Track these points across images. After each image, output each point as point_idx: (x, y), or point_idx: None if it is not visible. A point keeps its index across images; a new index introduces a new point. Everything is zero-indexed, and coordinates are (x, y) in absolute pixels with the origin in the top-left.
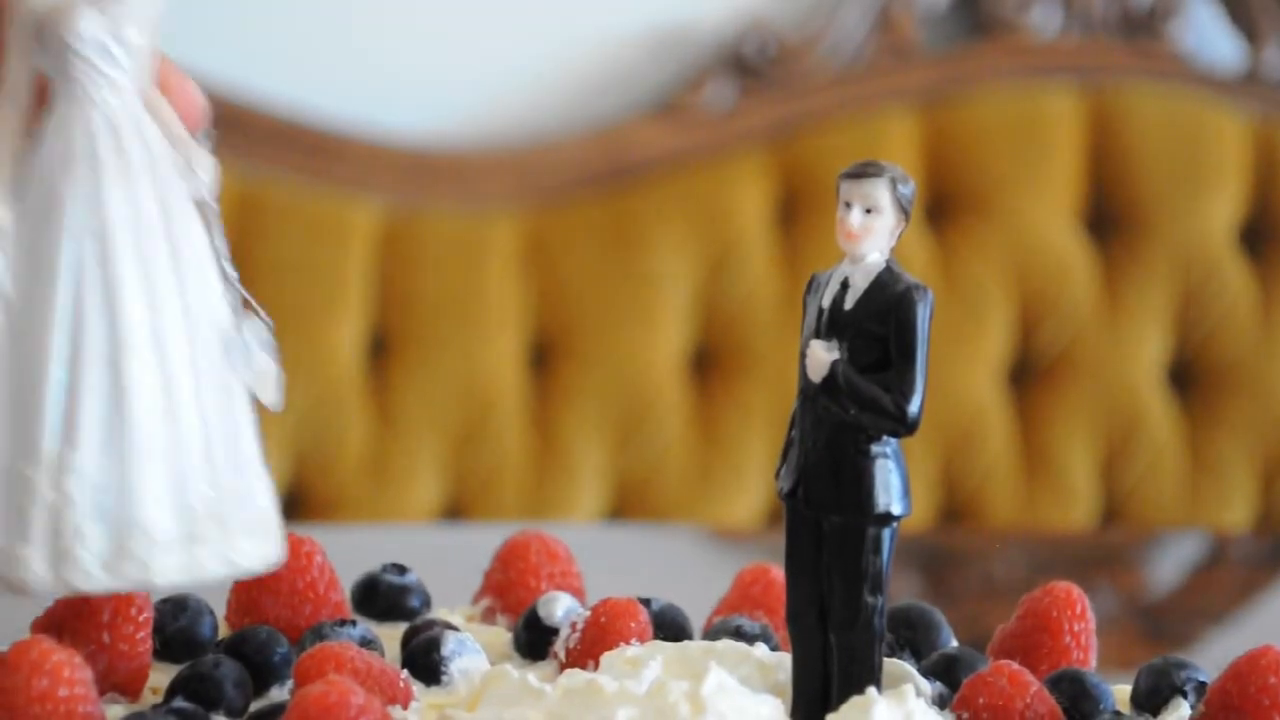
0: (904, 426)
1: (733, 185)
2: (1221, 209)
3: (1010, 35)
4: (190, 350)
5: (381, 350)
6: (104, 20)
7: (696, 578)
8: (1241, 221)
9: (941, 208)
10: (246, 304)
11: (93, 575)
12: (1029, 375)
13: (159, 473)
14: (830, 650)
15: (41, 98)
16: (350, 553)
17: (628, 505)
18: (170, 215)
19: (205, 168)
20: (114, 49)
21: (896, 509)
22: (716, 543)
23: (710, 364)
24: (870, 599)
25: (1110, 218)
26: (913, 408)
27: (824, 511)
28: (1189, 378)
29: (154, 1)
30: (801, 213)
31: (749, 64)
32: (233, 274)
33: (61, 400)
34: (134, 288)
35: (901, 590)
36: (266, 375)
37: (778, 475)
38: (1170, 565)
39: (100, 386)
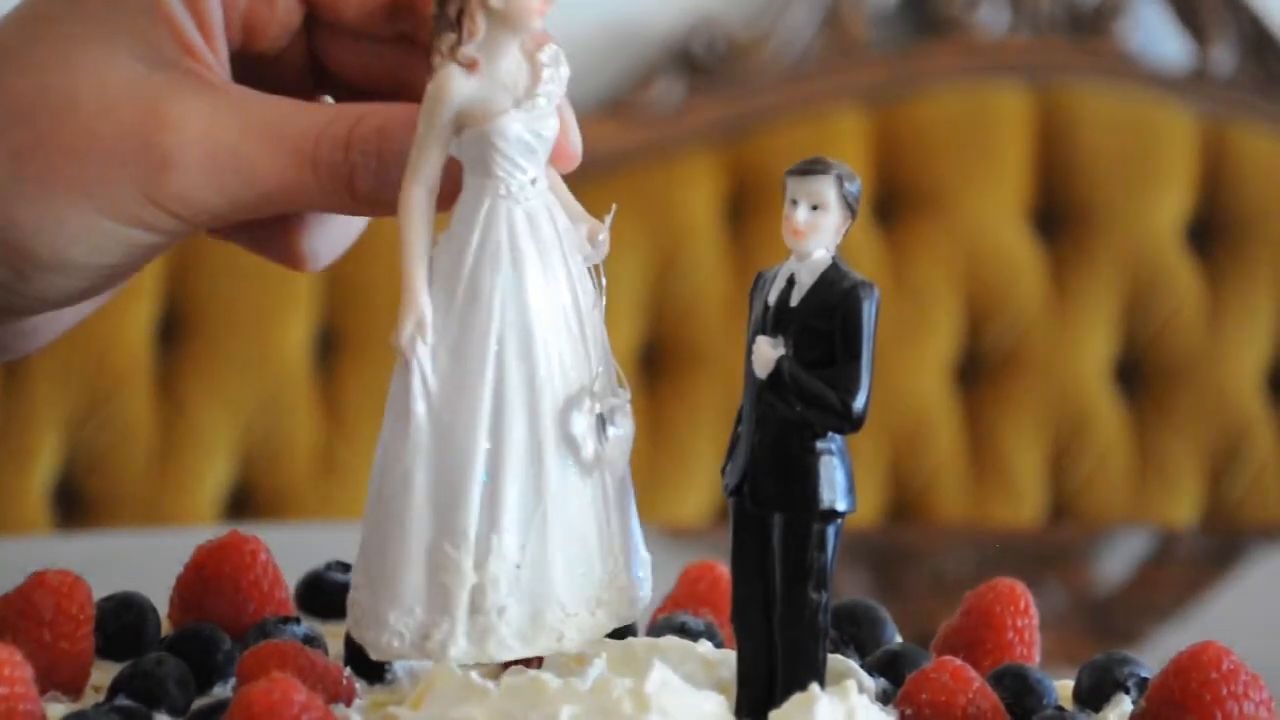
0: (849, 423)
1: (682, 183)
2: (1169, 207)
3: (959, 34)
4: (586, 429)
5: (330, 348)
6: (527, 119)
7: None
8: (1189, 219)
9: (890, 206)
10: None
11: (511, 647)
12: (977, 373)
13: (571, 549)
14: (775, 647)
15: (454, 185)
16: (298, 550)
17: None
18: (575, 290)
19: (604, 241)
20: (535, 145)
21: (841, 505)
22: (664, 540)
23: (659, 361)
24: (814, 595)
25: (1058, 216)
26: (858, 404)
27: (769, 508)
28: (1137, 375)
29: (563, 80)
30: (751, 210)
31: (698, 62)
32: (606, 341)
33: (485, 487)
34: (550, 379)
35: (850, 587)
36: (625, 441)
37: (724, 471)
38: (1118, 561)
39: (520, 476)
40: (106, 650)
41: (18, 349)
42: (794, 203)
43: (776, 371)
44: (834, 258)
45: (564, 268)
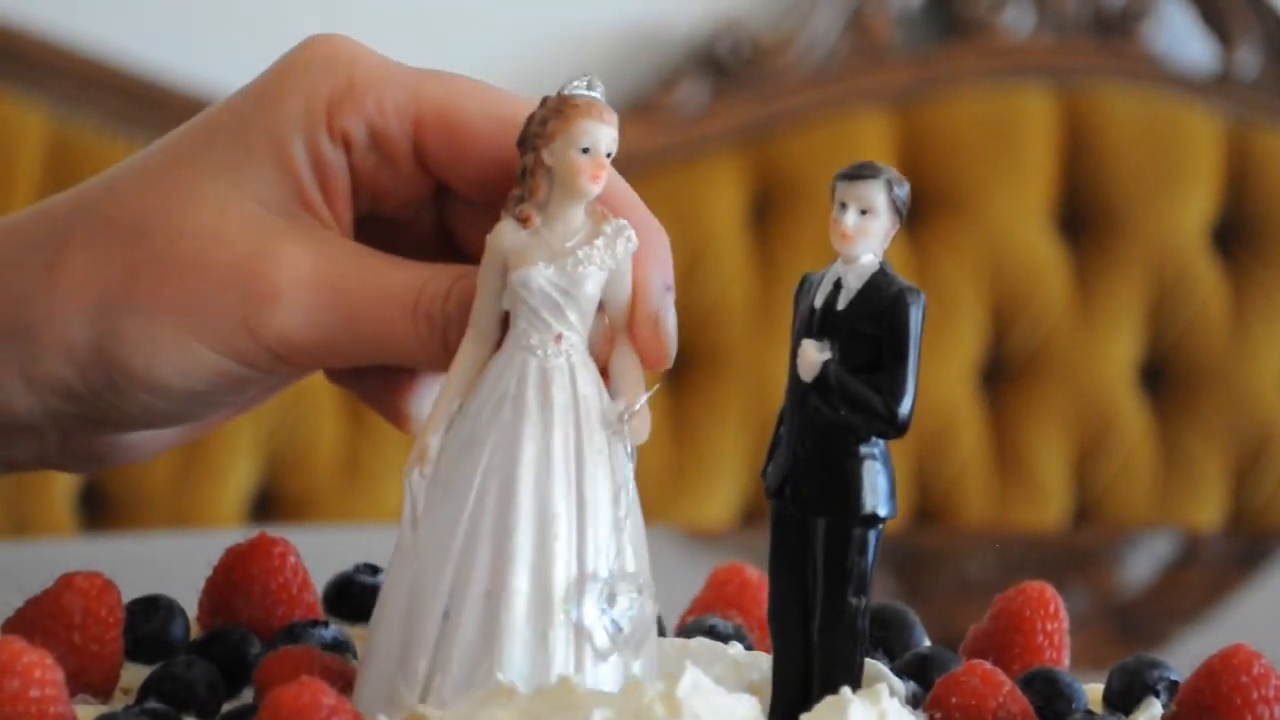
0: (893, 428)
1: (706, 186)
2: (1194, 209)
3: (983, 36)
4: (566, 590)
5: None
6: (555, 273)
7: (670, 578)
8: (1214, 222)
9: (915, 208)
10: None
11: None
12: (1002, 375)
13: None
14: (812, 651)
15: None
16: (323, 553)
17: None
18: (581, 460)
19: (638, 432)
20: (561, 302)
21: (883, 510)
22: (690, 542)
23: (683, 365)
24: (854, 600)
25: (1083, 218)
26: (903, 409)
27: (811, 511)
28: (1161, 378)
29: (621, 253)
30: (775, 214)
31: (723, 64)
32: (623, 520)
33: (439, 626)
34: (526, 528)
35: (876, 590)
36: (639, 624)
37: (764, 473)
38: (1142, 565)
39: (475, 619)
40: (135, 653)
41: (112, 459)
42: (843, 206)
43: (822, 375)
44: (882, 262)
45: (569, 429)
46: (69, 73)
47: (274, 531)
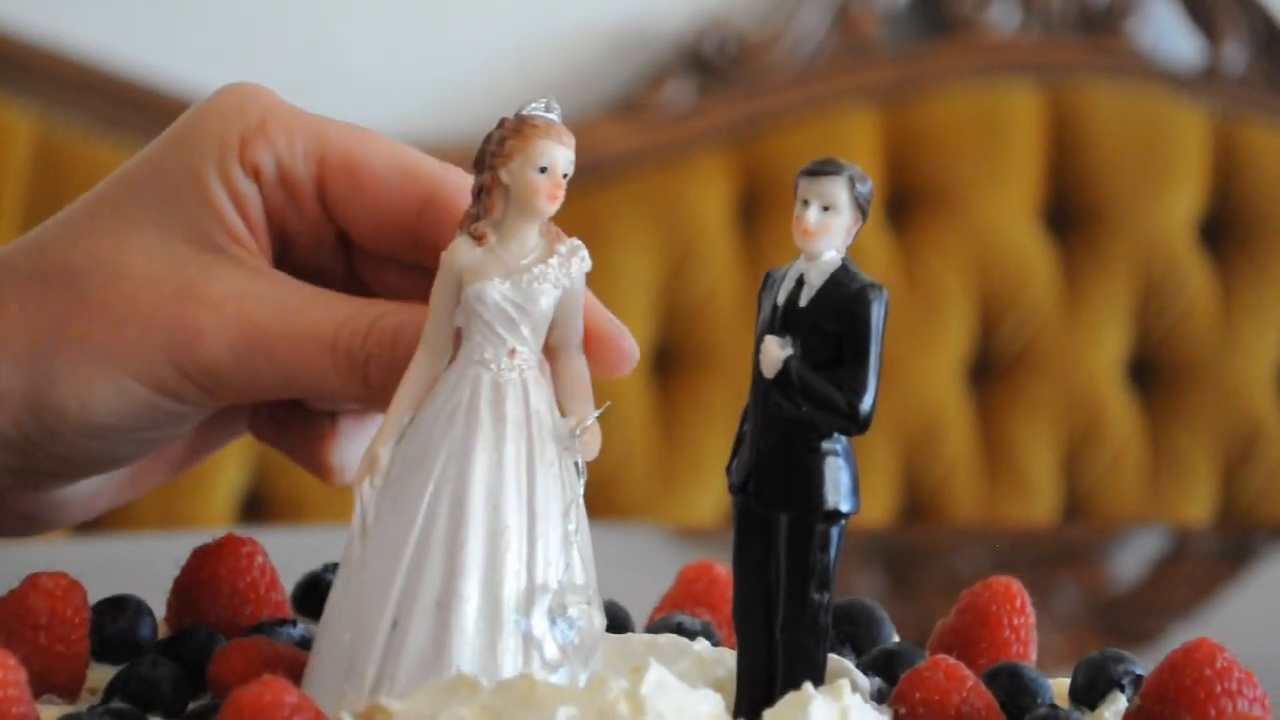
0: (855, 424)
1: (693, 184)
2: (1181, 205)
3: (970, 33)
4: (516, 601)
5: None
6: (510, 289)
7: (652, 575)
8: (1201, 217)
9: (902, 205)
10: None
11: None
12: (990, 372)
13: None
14: (775, 647)
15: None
16: (309, 554)
17: (589, 504)
18: (533, 474)
19: (588, 448)
20: (516, 317)
21: (845, 506)
22: (674, 540)
23: (671, 362)
24: (816, 596)
25: (1070, 214)
26: (864, 405)
27: (773, 507)
28: (1150, 373)
29: (575, 274)
30: (762, 211)
31: (709, 63)
32: (572, 534)
33: (389, 633)
34: (477, 539)
35: (863, 587)
36: (585, 635)
37: (729, 470)
38: (1132, 560)
39: (425, 628)
40: (102, 653)
41: (53, 519)
42: (805, 203)
43: (784, 371)
44: (844, 259)
45: (521, 443)
46: (58, 76)
47: (260, 533)
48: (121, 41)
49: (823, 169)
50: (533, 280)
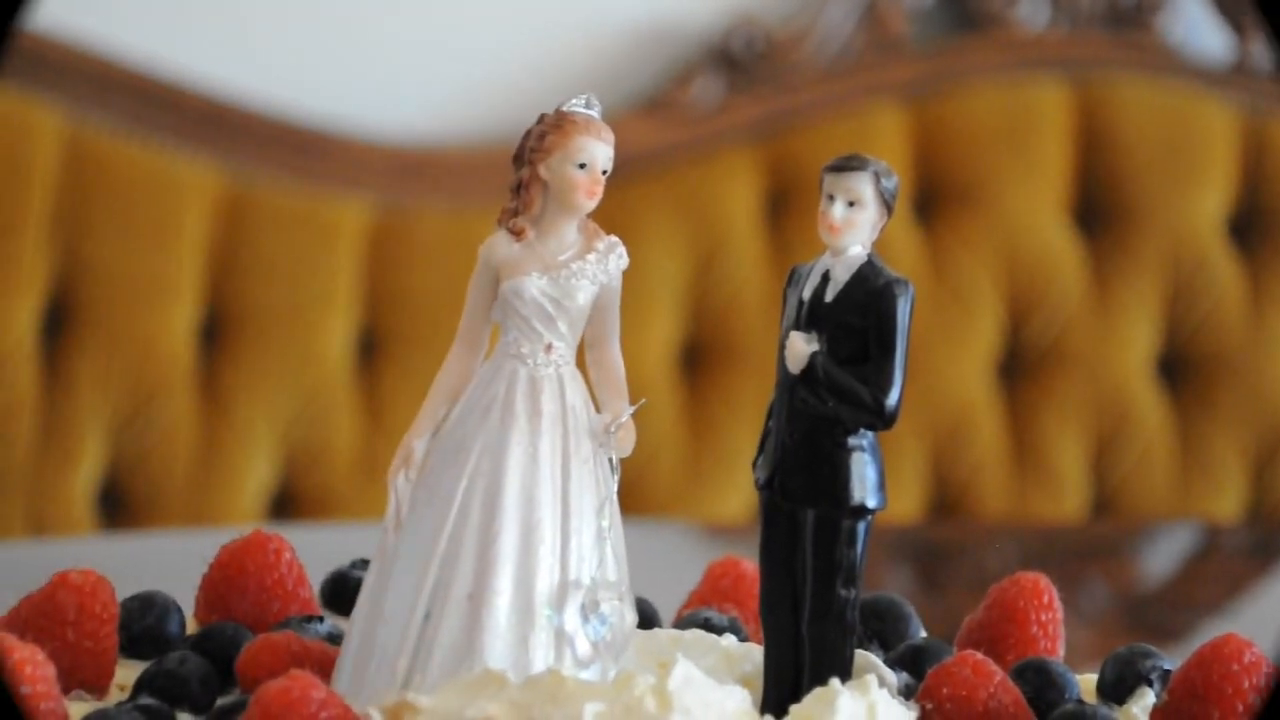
0: (881, 419)
1: (721, 181)
2: (1210, 201)
3: (998, 29)
4: (549, 596)
5: (371, 349)
6: (548, 285)
7: (680, 572)
8: (1230, 213)
9: (930, 201)
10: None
11: None
12: (1019, 368)
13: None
14: (802, 642)
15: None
16: (337, 550)
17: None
18: (568, 469)
19: (623, 444)
20: (553, 312)
21: (871, 502)
22: (703, 537)
23: (700, 358)
24: (843, 592)
25: (1099, 210)
26: (890, 401)
27: (799, 503)
28: (1179, 369)
29: (612, 271)
30: (790, 208)
31: (737, 60)
32: (606, 530)
33: (421, 625)
34: (511, 533)
35: (892, 583)
36: (616, 633)
37: (754, 466)
38: (1161, 556)
39: (457, 621)
40: (131, 649)
41: None
42: (830, 198)
43: (810, 367)
44: (870, 254)
45: (557, 438)
46: (86, 75)
47: (289, 530)
48: (150, 40)
49: (847, 164)
50: (570, 276)
